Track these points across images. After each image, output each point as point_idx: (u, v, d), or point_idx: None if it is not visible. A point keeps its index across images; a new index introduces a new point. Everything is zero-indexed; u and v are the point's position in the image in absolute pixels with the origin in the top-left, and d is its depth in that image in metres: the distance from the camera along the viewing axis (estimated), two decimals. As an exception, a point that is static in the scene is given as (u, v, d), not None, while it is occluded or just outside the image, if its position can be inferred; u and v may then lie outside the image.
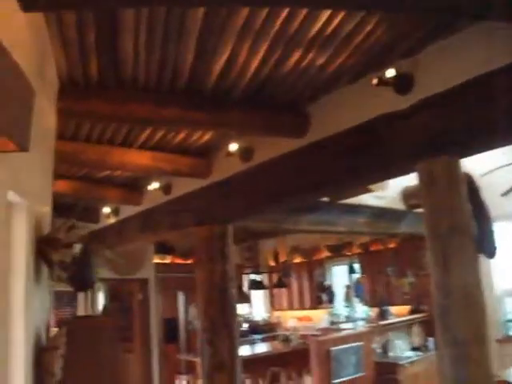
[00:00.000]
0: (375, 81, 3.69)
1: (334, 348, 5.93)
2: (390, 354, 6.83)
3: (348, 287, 9.88)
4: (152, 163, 5.21)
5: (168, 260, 9.88)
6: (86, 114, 4.09)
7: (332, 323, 10.05)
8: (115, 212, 7.49)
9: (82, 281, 3.41)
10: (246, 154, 4.95)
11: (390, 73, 3.62)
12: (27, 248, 2.51)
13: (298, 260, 11.15)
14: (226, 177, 4.96)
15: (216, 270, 5.08)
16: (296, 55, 3.60)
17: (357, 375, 6.13)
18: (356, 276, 9.18)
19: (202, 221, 5.22)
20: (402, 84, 3.71)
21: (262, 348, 9.19)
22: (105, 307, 3.31)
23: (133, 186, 6.70)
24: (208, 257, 5.13)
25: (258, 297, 12.01)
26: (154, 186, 6.07)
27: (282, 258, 11.48)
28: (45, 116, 3.08)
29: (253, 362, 8.04)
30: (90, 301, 3.61)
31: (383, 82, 3.65)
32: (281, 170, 4.25)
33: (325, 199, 5.86)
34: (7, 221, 2.28)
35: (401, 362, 6.42)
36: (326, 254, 10.36)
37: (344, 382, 5.99)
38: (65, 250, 3.04)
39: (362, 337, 6.35)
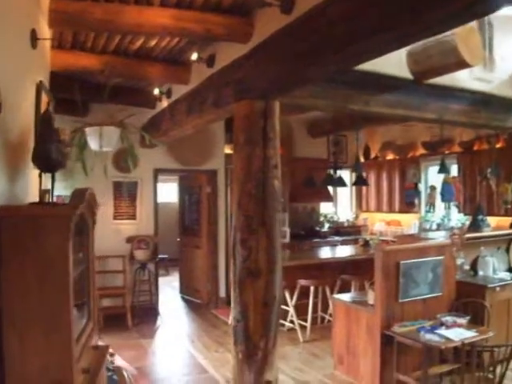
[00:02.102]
0: None
1: (404, 261, 4.84)
2: (480, 273, 5.62)
3: (432, 188, 8.51)
4: (175, 23, 4.11)
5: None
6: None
7: (422, 230, 8.88)
8: (167, 94, 6.59)
9: (45, 159, 2.57)
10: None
11: None
12: None
13: (390, 157, 9.86)
14: (265, 38, 3.81)
15: (254, 154, 4.08)
16: None
17: (431, 295, 5.04)
18: (446, 176, 7.75)
19: (241, 95, 4.17)
20: None
21: (339, 252, 8.32)
22: (74, 193, 2.43)
23: (176, 60, 5.68)
24: (246, 138, 4.13)
25: (345, 196, 10.98)
26: (194, 56, 5.02)
27: (373, 154, 10.24)
28: None
29: (321, 268, 7.19)
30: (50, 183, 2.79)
31: None
32: (326, 19, 3.02)
33: (408, 77, 4.56)
34: None
35: (491, 285, 5.21)
36: (421, 151, 8.97)
37: (414, 301, 4.95)
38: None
39: (444, 250, 5.16)
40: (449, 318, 4.74)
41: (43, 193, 2.74)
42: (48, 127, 2.64)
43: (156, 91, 6.48)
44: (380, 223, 10.27)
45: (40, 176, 2.64)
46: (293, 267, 7.04)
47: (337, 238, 9.91)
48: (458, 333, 4.43)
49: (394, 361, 4.69)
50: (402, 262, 4.83)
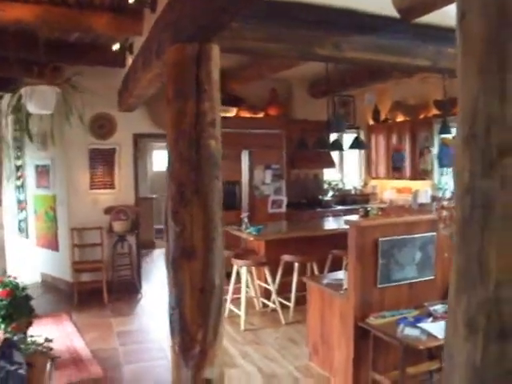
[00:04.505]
0: None
1: (384, 238, 4.06)
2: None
3: (427, 149, 7.62)
4: None
5: (232, 113, 8.20)
6: None
7: (434, 199, 7.98)
8: (130, 49, 5.81)
9: None
10: None
11: None
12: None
13: (400, 119, 8.92)
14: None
15: (186, 109, 3.32)
16: None
17: (420, 279, 4.24)
18: (444, 137, 6.83)
19: (174, 38, 3.40)
20: None
21: (333, 223, 7.54)
22: None
23: (124, 8, 4.85)
24: (176, 90, 3.36)
25: (352, 161, 10.11)
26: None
27: (383, 116, 9.32)
28: None
29: (311, 241, 6.43)
30: None
31: None
32: None
33: (392, 15, 3.70)
34: None
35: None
36: (434, 112, 8.01)
37: (398, 287, 4.16)
38: None
39: (436, 224, 4.34)
40: (439, 308, 3.97)
41: None
42: None
43: (115, 46, 5.72)
44: (390, 190, 9.39)
45: None
46: (277, 241, 6.33)
47: (341, 208, 9.10)
48: (445, 326, 3.65)
49: (369, 357, 3.94)
50: (380, 239, 4.04)
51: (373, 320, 3.90)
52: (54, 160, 7.49)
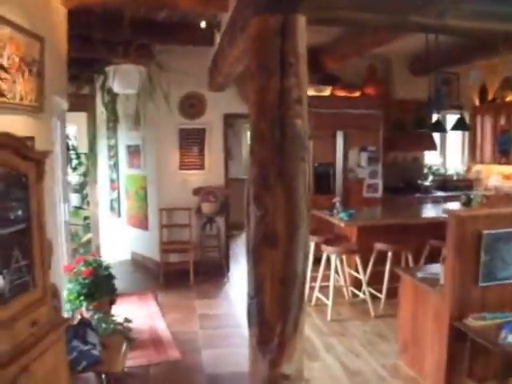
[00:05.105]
0: None
1: (489, 231, 3.61)
2: None
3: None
4: None
5: (327, 92, 7.85)
6: None
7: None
8: (217, 26, 5.63)
9: None
10: None
11: None
12: None
13: (510, 98, 8.16)
14: None
15: (269, 85, 3.08)
16: None
17: (530, 278, 3.77)
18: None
19: (257, 10, 3.15)
20: None
21: (432, 211, 7.05)
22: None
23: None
24: (258, 65, 3.12)
25: (455, 144, 9.44)
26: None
27: (490, 95, 8.57)
28: None
29: (407, 230, 6.00)
30: None
31: None
32: None
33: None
34: None
35: None
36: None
37: (502, 286, 3.71)
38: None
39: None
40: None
41: None
42: None
43: (203, 24, 5.57)
44: (496, 176, 8.65)
45: None
46: (370, 228, 5.96)
47: (441, 194, 8.51)
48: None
49: (465, 362, 3.55)
50: (485, 231, 3.60)
51: (471, 321, 3.49)
52: (144, 140, 7.55)
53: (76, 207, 10.17)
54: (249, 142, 3.33)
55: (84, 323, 3.41)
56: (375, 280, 5.84)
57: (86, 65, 6.23)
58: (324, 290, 5.76)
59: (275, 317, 3.24)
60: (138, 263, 7.94)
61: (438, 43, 6.18)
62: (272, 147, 3.13)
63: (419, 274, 4.24)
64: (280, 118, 3.10)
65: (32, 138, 3.17)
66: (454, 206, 7.19)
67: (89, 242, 8.61)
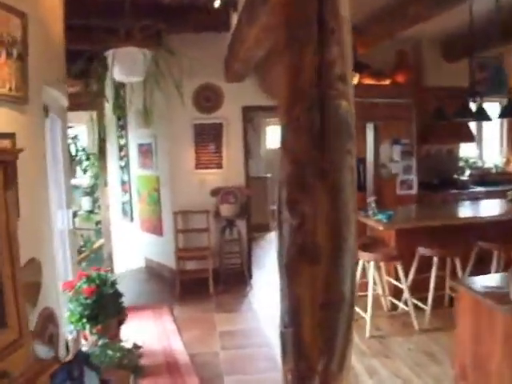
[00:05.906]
0: None
1: None
2: None
3: None
4: None
5: (355, 81, 7.16)
6: None
7: None
8: (233, 6, 5.01)
9: None
10: None
11: None
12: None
13: (557, 82, 7.39)
14: None
15: (304, 59, 2.41)
16: None
17: None
18: None
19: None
20: None
21: (477, 209, 6.37)
22: None
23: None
24: (289, 35, 2.48)
25: (492, 135, 8.71)
26: None
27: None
28: None
29: (451, 231, 5.31)
30: None
31: None
32: None
33: None
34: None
35: None
36: None
37: None
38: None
39: None
40: None
41: None
42: None
43: (217, 3, 4.95)
44: (541, 170, 7.93)
45: None
46: (409, 230, 5.30)
47: (480, 189, 7.81)
48: None
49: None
50: None
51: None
52: (156, 137, 6.96)
53: (88, 211, 9.64)
54: (267, 136, 2.73)
55: (80, 360, 2.80)
56: (417, 289, 5.18)
57: (89, 59, 5.70)
58: (360, 300, 5.10)
59: (316, 350, 2.56)
60: (153, 271, 7.36)
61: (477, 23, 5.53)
62: (310, 138, 2.43)
63: (480, 287, 3.57)
64: (319, 100, 2.44)
65: (12, 135, 2.57)
66: (498, 203, 6.50)
67: (100, 248, 8.07)
